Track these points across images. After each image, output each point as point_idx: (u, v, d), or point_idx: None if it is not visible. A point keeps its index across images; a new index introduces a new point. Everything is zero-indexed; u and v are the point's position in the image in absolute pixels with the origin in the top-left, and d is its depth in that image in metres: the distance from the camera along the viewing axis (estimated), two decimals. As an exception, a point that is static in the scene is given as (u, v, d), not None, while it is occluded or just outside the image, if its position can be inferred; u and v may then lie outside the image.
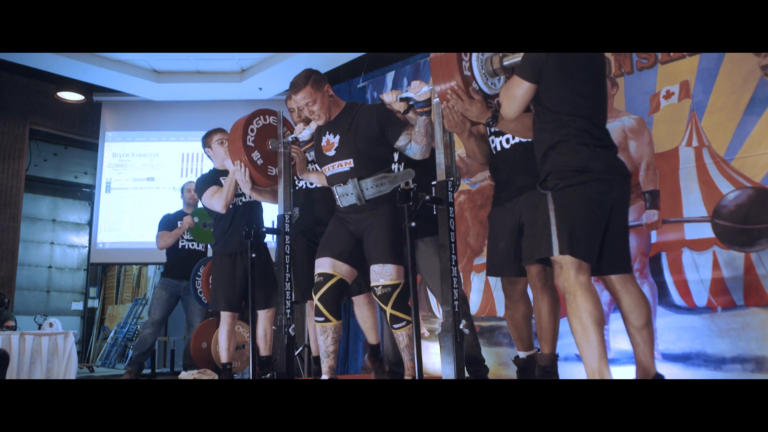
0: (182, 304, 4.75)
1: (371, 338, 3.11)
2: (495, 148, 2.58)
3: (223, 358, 3.52)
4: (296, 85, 2.58)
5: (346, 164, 2.58)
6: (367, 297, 2.98)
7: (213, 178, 3.56)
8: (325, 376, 2.62)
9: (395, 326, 2.53)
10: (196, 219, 4.57)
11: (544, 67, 2.02)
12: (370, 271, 2.54)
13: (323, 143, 2.67)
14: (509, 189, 2.50)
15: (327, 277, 2.58)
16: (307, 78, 2.57)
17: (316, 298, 2.60)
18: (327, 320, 2.59)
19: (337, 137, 2.61)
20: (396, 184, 2.59)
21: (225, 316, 3.50)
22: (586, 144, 2.00)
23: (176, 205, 5.34)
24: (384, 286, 2.49)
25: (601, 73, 2.16)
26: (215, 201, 3.44)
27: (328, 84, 2.64)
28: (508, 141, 2.51)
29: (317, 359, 3.24)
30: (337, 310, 2.62)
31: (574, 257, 1.92)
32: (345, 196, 2.60)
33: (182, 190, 4.94)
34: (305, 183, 3.36)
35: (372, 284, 2.54)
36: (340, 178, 2.60)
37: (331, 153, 2.62)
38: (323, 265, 2.61)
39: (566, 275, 1.94)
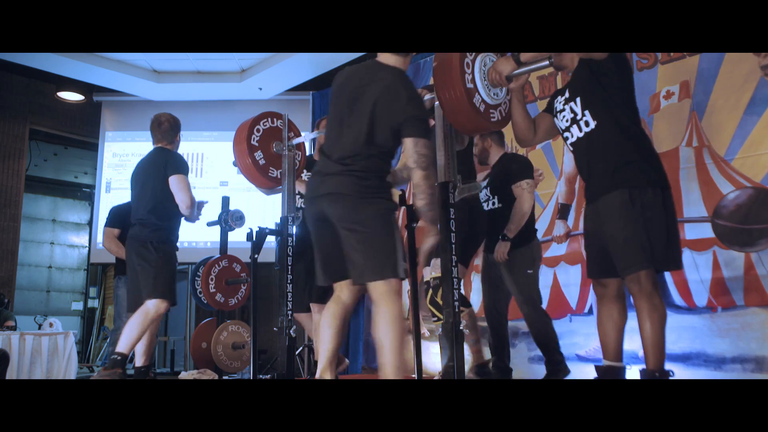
0: None
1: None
2: (570, 137, 2.33)
3: (140, 361, 3.19)
4: None
5: None
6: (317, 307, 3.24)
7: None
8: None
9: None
10: None
11: None
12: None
13: None
14: (590, 187, 2.30)
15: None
16: None
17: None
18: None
19: None
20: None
21: (159, 308, 3.11)
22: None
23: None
24: (435, 278, 2.69)
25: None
26: (187, 196, 3.23)
27: None
28: (581, 129, 2.26)
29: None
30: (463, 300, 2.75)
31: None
32: None
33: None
34: None
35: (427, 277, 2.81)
36: None
37: None
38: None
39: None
